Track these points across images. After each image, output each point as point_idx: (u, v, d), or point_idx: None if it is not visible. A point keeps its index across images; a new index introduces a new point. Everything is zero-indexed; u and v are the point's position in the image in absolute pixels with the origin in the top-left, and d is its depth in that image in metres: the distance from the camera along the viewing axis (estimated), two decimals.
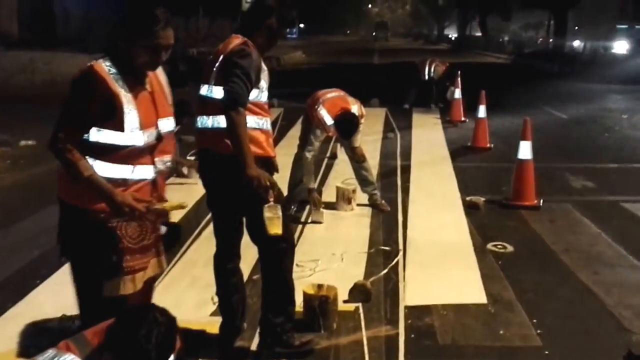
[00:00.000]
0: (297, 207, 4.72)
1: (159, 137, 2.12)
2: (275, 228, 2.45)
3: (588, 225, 4.61)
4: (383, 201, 4.88)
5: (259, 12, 2.65)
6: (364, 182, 4.84)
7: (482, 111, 7.52)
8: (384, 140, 7.90)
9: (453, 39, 48.93)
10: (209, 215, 4.44)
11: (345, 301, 3.14)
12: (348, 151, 4.84)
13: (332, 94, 4.69)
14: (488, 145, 7.51)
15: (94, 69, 2.01)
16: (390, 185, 5.62)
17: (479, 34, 41.96)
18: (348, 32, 68.63)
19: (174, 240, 2.42)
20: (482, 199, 5.09)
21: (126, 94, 2.02)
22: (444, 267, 3.68)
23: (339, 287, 3.09)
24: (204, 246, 3.87)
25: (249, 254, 2.97)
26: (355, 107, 4.63)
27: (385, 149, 7.38)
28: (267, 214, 2.46)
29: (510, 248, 4.06)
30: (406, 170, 6.24)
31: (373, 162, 6.54)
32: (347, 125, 4.52)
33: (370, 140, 7.78)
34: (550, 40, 30.42)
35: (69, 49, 15.18)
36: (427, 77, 10.69)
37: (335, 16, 50.34)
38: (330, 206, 4.77)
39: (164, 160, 2.19)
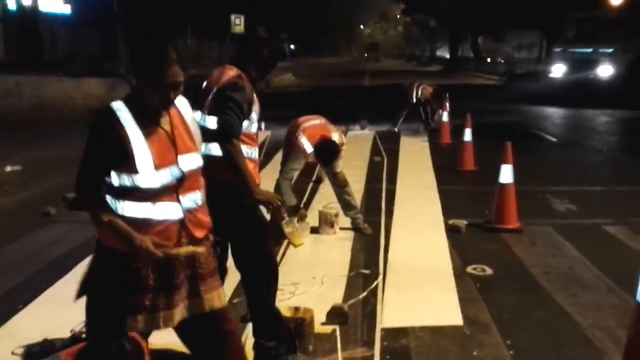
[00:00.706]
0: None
1: (181, 175, 2.08)
2: (298, 239, 2.76)
3: (569, 248, 4.67)
4: (365, 224, 4.94)
5: (250, 43, 2.77)
6: (346, 206, 4.90)
7: (467, 134, 7.64)
8: (370, 164, 7.99)
9: (447, 58, 49.50)
10: None
11: (322, 323, 3.18)
12: (330, 176, 4.92)
13: (313, 121, 4.78)
14: (474, 168, 7.61)
15: (102, 112, 2.04)
16: (374, 209, 5.68)
17: (471, 55, 42.51)
18: (340, 53, 69.44)
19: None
20: (465, 222, 5.16)
21: (137, 135, 2.01)
22: (422, 289, 3.73)
23: (318, 309, 3.14)
24: None
25: (230, 278, 3.02)
26: (335, 135, 4.72)
27: (372, 172, 7.47)
28: (287, 229, 2.70)
29: (489, 271, 4.12)
30: (391, 193, 6.31)
31: (359, 185, 6.64)
32: (327, 153, 4.62)
33: (357, 164, 7.90)
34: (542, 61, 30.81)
35: (56, 72, 15.31)
36: (414, 99, 10.86)
37: (327, 38, 50.92)
38: (313, 230, 4.83)
39: (192, 198, 2.14)
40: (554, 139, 10.77)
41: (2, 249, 4.57)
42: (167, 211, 2.08)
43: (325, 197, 5.71)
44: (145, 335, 2.32)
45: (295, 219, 2.56)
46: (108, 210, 2.05)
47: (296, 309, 3.02)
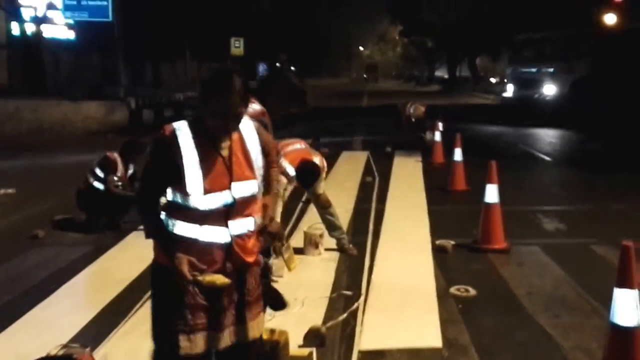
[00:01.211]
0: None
1: (231, 202, 2.08)
2: (293, 263, 3.03)
3: (555, 269, 4.65)
4: (351, 245, 4.93)
5: (273, 79, 2.88)
6: (330, 227, 4.89)
7: (458, 154, 7.66)
8: (362, 185, 7.99)
9: (446, 78, 49.85)
10: None
11: (300, 346, 3.14)
12: (313, 198, 4.92)
13: (293, 146, 4.81)
14: (465, 187, 7.60)
15: (163, 131, 2.08)
16: (362, 230, 5.67)
17: (470, 74, 42.80)
18: (339, 74, 70.04)
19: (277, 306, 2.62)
20: (452, 242, 5.15)
21: (192, 157, 2.03)
22: (403, 311, 3.70)
23: (297, 331, 3.12)
24: None
25: None
26: (316, 159, 4.74)
27: (363, 193, 7.47)
28: (285, 255, 2.95)
29: (472, 292, 4.09)
30: (380, 214, 6.30)
31: (349, 206, 6.64)
32: (307, 175, 4.64)
33: (348, 185, 7.91)
34: None
35: (57, 96, 15.51)
36: (407, 119, 10.92)
37: (327, 59, 51.43)
38: (298, 251, 4.81)
39: (242, 224, 2.13)
40: (547, 158, 10.79)
41: None
42: (213, 234, 2.09)
43: (315, 219, 5.69)
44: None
45: (290, 245, 2.62)
46: (157, 225, 2.10)
47: (272, 331, 2.99)
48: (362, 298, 3.89)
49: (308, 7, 36.13)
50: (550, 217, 6.26)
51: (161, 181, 2.09)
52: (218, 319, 2.12)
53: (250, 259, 2.18)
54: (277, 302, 2.49)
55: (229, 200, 2.07)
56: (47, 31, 18.68)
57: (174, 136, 2.04)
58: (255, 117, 2.65)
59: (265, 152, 2.23)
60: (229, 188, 2.07)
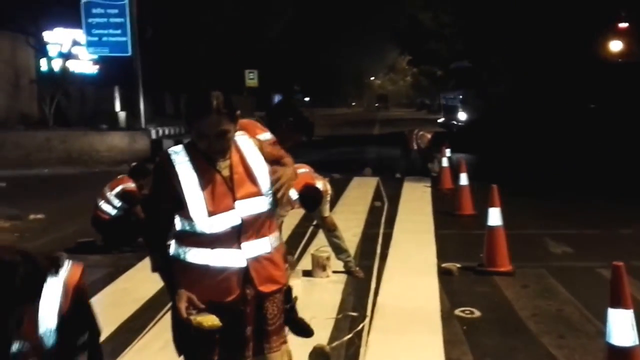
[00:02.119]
0: None
1: (239, 222, 1.99)
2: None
3: (560, 291, 4.67)
4: (357, 268, 4.99)
5: (278, 112, 2.99)
6: (337, 249, 4.97)
7: (463, 179, 7.72)
8: (371, 209, 8.07)
9: None
10: None
11: None
12: (319, 221, 5.01)
13: (299, 170, 4.90)
14: (473, 212, 7.65)
15: (160, 156, 2.06)
16: (369, 253, 5.73)
17: None
18: (353, 103, 70.70)
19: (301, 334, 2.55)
20: (458, 265, 5.19)
21: (191, 181, 1.97)
22: (407, 332, 3.74)
23: (302, 351, 3.18)
24: None
25: None
26: (319, 184, 4.84)
27: (372, 217, 7.54)
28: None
29: (477, 313, 4.13)
30: (388, 238, 6.36)
31: (357, 230, 6.71)
32: (310, 199, 4.72)
33: (358, 209, 8.00)
34: None
35: (83, 127, 16.19)
36: (415, 146, 11.03)
37: (340, 89, 52.01)
38: (306, 273, 4.89)
39: (257, 245, 2.03)
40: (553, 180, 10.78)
41: None
42: (226, 258, 1.98)
43: (322, 241, 5.78)
44: None
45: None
46: (162, 258, 2.05)
47: None
48: (367, 319, 3.94)
49: (320, 39, 36.85)
50: (557, 241, 6.28)
51: (164, 210, 2.01)
52: (240, 352, 2.00)
53: (269, 288, 2.04)
54: (302, 329, 2.35)
55: (236, 220, 1.98)
56: (73, 66, 19.48)
57: (169, 161, 1.99)
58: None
59: (275, 161, 2.16)
60: (234, 208, 1.99)
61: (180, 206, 1.98)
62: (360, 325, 3.81)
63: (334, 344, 3.48)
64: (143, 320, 3.96)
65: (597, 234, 6.73)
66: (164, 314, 4.03)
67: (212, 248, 1.99)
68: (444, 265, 5.19)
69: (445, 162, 9.97)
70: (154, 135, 16.27)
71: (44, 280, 1.75)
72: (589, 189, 9.89)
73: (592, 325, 3.95)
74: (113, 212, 5.74)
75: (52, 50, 18.29)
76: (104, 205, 5.77)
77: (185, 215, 1.99)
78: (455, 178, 9.41)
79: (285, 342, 2.17)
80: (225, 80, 29.27)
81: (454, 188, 9.41)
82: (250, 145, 2.13)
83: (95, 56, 19.15)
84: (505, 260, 5.07)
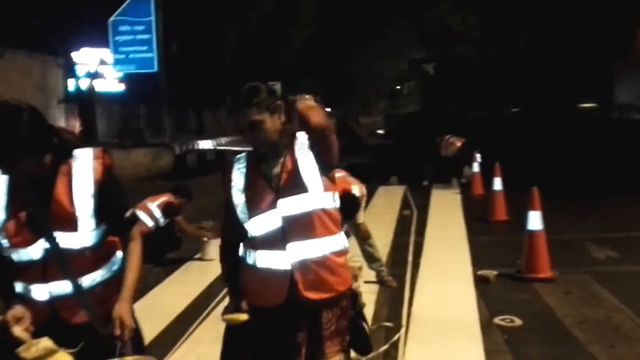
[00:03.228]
0: None
1: (281, 222, 1.92)
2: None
3: (607, 297, 4.41)
4: (390, 277, 4.82)
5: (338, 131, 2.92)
6: (369, 258, 4.81)
7: (497, 184, 7.50)
8: (400, 218, 7.89)
9: None
10: (219, 297, 4.55)
11: None
12: (352, 228, 4.86)
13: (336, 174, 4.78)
14: (507, 217, 7.40)
15: (224, 162, 2.15)
16: (401, 262, 5.55)
17: None
18: (372, 113, 70.50)
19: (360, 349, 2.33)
20: (494, 272, 4.98)
21: (237, 185, 1.98)
22: (446, 341, 3.56)
23: None
24: (210, 325, 3.92)
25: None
26: (356, 188, 4.70)
27: (401, 225, 7.36)
28: None
29: (518, 322, 3.92)
30: (419, 246, 6.17)
31: (387, 239, 6.54)
32: (348, 206, 4.58)
33: (386, 217, 7.82)
34: None
35: (109, 145, 16.41)
36: (444, 152, 10.81)
37: (359, 99, 51.89)
38: None
39: (302, 247, 1.94)
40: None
41: None
42: (270, 260, 1.93)
43: (353, 251, 5.63)
44: None
45: None
46: (227, 269, 2.09)
47: None
48: (403, 329, 3.77)
49: (343, 49, 36.95)
50: (599, 245, 6.00)
51: (230, 214, 2.00)
52: (290, 357, 1.91)
53: (317, 295, 1.90)
54: (362, 343, 2.12)
55: (277, 220, 1.91)
56: (99, 85, 19.92)
57: (229, 169, 2.04)
58: None
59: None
60: (276, 207, 1.92)
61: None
62: (397, 336, 3.64)
63: (371, 355, 3.31)
64: (175, 335, 3.88)
65: (639, 236, 6.42)
66: (195, 328, 3.95)
67: (259, 249, 1.97)
68: (479, 272, 4.98)
69: (476, 168, 9.73)
70: (177, 152, 16.41)
71: (52, 135, 1.75)
72: (623, 190, 9.51)
73: None
74: (150, 224, 5.68)
75: (80, 70, 18.60)
76: (143, 217, 5.71)
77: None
78: (487, 183, 9.19)
79: (342, 350, 2.00)
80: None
81: (485, 194, 9.18)
82: (302, 143, 2.00)
83: (121, 74, 19.47)
84: (545, 266, 4.84)
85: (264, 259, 1.96)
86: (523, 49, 20.66)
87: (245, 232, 1.99)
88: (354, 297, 2.09)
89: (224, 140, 23.60)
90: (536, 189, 5.04)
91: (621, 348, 3.48)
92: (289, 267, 1.92)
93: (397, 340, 3.58)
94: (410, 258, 5.68)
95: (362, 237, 4.79)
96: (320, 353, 1.93)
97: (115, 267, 1.89)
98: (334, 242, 1.98)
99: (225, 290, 4.67)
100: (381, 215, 8.01)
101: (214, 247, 5.83)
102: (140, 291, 4.94)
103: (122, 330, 1.79)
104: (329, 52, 35.61)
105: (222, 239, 2.14)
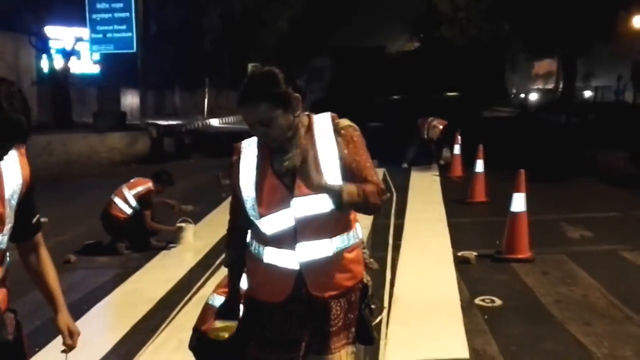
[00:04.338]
0: None
1: (294, 220, 1.80)
2: None
3: (583, 276, 4.51)
4: (372, 259, 4.81)
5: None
6: None
7: (479, 166, 7.55)
8: None
9: None
10: (200, 282, 4.52)
11: None
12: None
13: None
14: (485, 199, 7.49)
15: (232, 152, 1.91)
16: (382, 244, 5.58)
17: None
18: None
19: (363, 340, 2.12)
20: (474, 253, 5.04)
21: (249, 176, 1.83)
22: (428, 323, 3.60)
23: None
24: (192, 310, 3.89)
25: None
26: None
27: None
28: None
29: (498, 302, 3.98)
30: (399, 228, 6.20)
31: (366, 221, 6.53)
32: None
33: None
34: (559, 90, 30.75)
35: (84, 129, 15.98)
36: (426, 135, 10.84)
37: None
38: None
39: (313, 247, 1.83)
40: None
41: (25, 296, 4.57)
42: (278, 258, 1.83)
43: None
44: None
45: None
46: (231, 255, 1.98)
47: None
48: (385, 311, 3.79)
49: (323, 28, 36.57)
50: (574, 225, 6.10)
51: (238, 205, 1.88)
52: (290, 351, 1.84)
53: (324, 293, 1.83)
54: (363, 335, 2.02)
55: (290, 219, 1.79)
56: (74, 67, 19.23)
57: (239, 155, 1.86)
58: None
59: (350, 172, 1.80)
60: (289, 206, 1.78)
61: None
62: (379, 318, 3.66)
63: None
64: (156, 320, 3.86)
65: (613, 217, 6.56)
66: (177, 314, 3.93)
67: (267, 245, 1.85)
68: (460, 253, 5.04)
69: (457, 150, 9.79)
70: (154, 135, 16.06)
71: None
72: (591, 171, 9.71)
73: (619, 311, 3.80)
74: (129, 211, 5.57)
75: (54, 49, 17.75)
76: (120, 204, 5.59)
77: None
78: (468, 165, 9.26)
79: (349, 343, 1.93)
80: (229, 74, 29.09)
81: (464, 176, 9.25)
82: (328, 137, 1.81)
83: (98, 56, 18.81)
84: (525, 247, 4.91)
85: (271, 256, 1.85)
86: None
87: (253, 224, 1.88)
88: (365, 289, 1.99)
89: (200, 123, 23.31)
90: (522, 172, 5.08)
91: (596, 326, 3.56)
92: (296, 267, 1.82)
93: (380, 322, 3.60)
94: (390, 240, 5.71)
95: None
96: (326, 348, 1.86)
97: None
98: (347, 239, 1.87)
99: (206, 275, 4.68)
100: None
101: (190, 233, 5.81)
102: (121, 277, 4.92)
103: (73, 339, 1.80)
104: (312, 34, 35.27)
105: (229, 224, 1.98)
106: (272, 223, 1.82)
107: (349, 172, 1.80)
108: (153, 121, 18.86)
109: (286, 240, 1.82)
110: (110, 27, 16.35)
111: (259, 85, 1.72)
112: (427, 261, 4.94)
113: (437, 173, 10.05)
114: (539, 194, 7.65)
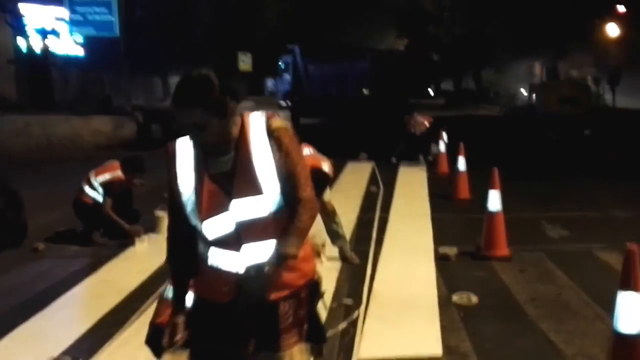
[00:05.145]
0: None
1: (235, 223, 1.80)
2: None
3: (559, 275, 4.60)
4: (353, 254, 4.91)
5: None
6: (333, 235, 4.87)
7: (461, 163, 7.64)
8: (366, 194, 7.98)
9: (451, 91, 50.09)
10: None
11: None
12: (318, 205, 4.88)
13: (303, 151, 4.78)
14: (469, 196, 7.57)
15: (166, 150, 1.88)
16: (365, 238, 5.64)
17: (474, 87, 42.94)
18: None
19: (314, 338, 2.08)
20: (455, 250, 5.11)
21: (186, 180, 1.82)
22: (404, 319, 3.67)
23: None
24: None
25: None
26: (325, 165, 4.72)
27: (367, 202, 7.45)
28: None
29: (474, 299, 4.05)
30: (384, 222, 6.27)
31: (352, 215, 6.62)
32: (316, 183, 4.59)
33: (353, 193, 7.90)
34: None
35: (65, 111, 15.61)
36: (413, 130, 10.91)
37: None
38: None
39: (257, 249, 1.84)
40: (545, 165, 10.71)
41: None
42: (223, 260, 1.83)
43: (316, 227, 5.67)
44: None
45: None
46: (170, 256, 1.94)
47: None
48: (362, 307, 3.85)
49: (313, 22, 36.49)
50: (553, 223, 6.20)
51: (181, 217, 1.84)
52: (237, 347, 1.85)
53: (278, 295, 1.83)
54: (317, 332, 2.01)
55: (231, 223, 1.79)
56: (56, 47, 18.77)
57: (174, 154, 1.83)
58: None
59: (282, 178, 1.81)
60: (228, 209, 1.79)
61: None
62: (355, 313, 3.73)
63: (328, 333, 3.38)
64: (126, 312, 3.76)
65: (592, 216, 6.66)
66: (148, 306, 3.88)
67: (212, 247, 1.85)
68: (441, 250, 5.11)
69: (442, 147, 9.86)
70: (141, 120, 15.85)
71: None
72: (577, 170, 9.82)
73: (591, 309, 3.89)
74: (98, 198, 5.45)
75: (31, 28, 17.24)
76: (88, 190, 5.48)
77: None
78: (453, 162, 9.34)
79: (300, 340, 1.93)
80: (218, 63, 28.87)
81: (451, 172, 9.34)
82: (262, 139, 1.81)
83: (81, 38, 18.37)
84: (503, 244, 4.99)
85: (215, 258, 1.85)
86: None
87: (196, 229, 1.87)
88: (314, 287, 1.98)
89: None
90: (496, 169, 5.16)
91: (568, 324, 3.65)
92: (241, 270, 1.82)
93: (356, 318, 3.66)
94: (374, 234, 5.77)
95: (328, 214, 4.84)
96: (276, 345, 1.87)
97: None
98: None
99: None
100: (348, 191, 8.08)
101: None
102: (92, 267, 4.86)
103: None
104: (302, 26, 35.12)
105: (168, 237, 1.94)
106: (214, 227, 1.82)
107: (282, 178, 1.82)
108: (141, 105, 18.62)
109: (231, 242, 1.82)
110: (91, 9, 15.92)
111: (196, 90, 1.72)
112: (408, 257, 5.01)
113: (425, 169, 10.13)
114: (521, 192, 7.79)
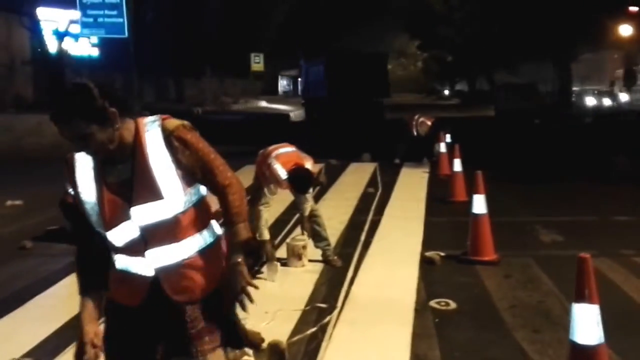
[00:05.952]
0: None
1: (138, 230, 1.81)
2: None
3: (544, 281, 4.49)
4: (335, 257, 4.85)
5: None
6: (316, 237, 4.82)
7: (457, 165, 7.53)
8: (363, 195, 7.91)
9: (465, 92, 49.71)
10: None
11: None
12: (300, 206, 4.85)
13: (285, 149, 4.73)
14: (466, 198, 7.44)
15: (64, 161, 1.92)
16: (352, 241, 5.58)
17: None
18: None
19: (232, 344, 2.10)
20: (441, 254, 5.03)
21: (87, 191, 1.84)
22: (376, 325, 3.60)
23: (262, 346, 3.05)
24: None
25: None
26: (308, 164, 4.67)
27: (362, 203, 7.38)
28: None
29: (453, 305, 3.97)
30: (375, 225, 6.20)
31: (344, 217, 6.56)
32: (301, 180, 4.54)
33: (349, 195, 7.84)
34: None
35: None
36: (415, 132, 10.80)
37: None
38: (281, 262, 4.74)
39: (164, 252, 1.85)
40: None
41: None
42: (131, 265, 1.85)
43: (297, 229, 5.62)
44: None
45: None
46: (87, 282, 1.94)
47: None
48: (336, 311, 3.80)
49: (329, 25, 36.56)
50: (548, 228, 6.07)
51: (83, 223, 1.86)
52: (147, 353, 1.85)
53: (182, 297, 1.83)
54: (235, 339, 1.98)
55: (134, 230, 1.79)
56: (71, 48, 19.16)
57: (72, 167, 1.85)
58: None
59: (197, 174, 1.82)
60: (130, 217, 1.78)
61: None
62: (327, 318, 3.67)
63: (294, 339, 3.35)
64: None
65: (590, 221, 6.50)
66: None
67: (118, 253, 1.86)
68: (427, 253, 5.03)
69: (443, 148, 9.75)
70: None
71: None
72: (579, 174, 9.62)
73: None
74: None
75: (46, 30, 17.75)
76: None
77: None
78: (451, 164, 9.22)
79: (217, 347, 1.89)
80: (231, 63, 29.06)
81: (451, 174, 9.21)
82: (158, 143, 1.80)
83: (96, 40, 18.87)
84: (490, 249, 4.90)
85: (122, 263, 1.86)
86: None
87: (102, 237, 1.86)
88: (221, 291, 1.93)
89: (199, 109, 23.36)
90: (480, 172, 5.06)
91: (544, 333, 3.54)
92: (150, 273, 1.83)
93: (327, 323, 3.61)
94: (362, 237, 5.71)
95: (310, 214, 4.78)
96: (189, 351, 1.85)
97: None
98: (202, 239, 1.88)
99: None
100: (345, 193, 8.03)
101: None
102: (74, 267, 4.85)
103: None
104: (315, 27, 35.21)
105: (77, 246, 1.95)
106: (118, 235, 1.82)
107: (196, 174, 1.83)
108: (149, 106, 18.88)
109: (137, 248, 1.82)
110: (101, 12, 16.42)
111: (71, 101, 1.70)
112: (392, 260, 4.93)
113: (428, 170, 10.02)
114: (518, 196, 7.66)
